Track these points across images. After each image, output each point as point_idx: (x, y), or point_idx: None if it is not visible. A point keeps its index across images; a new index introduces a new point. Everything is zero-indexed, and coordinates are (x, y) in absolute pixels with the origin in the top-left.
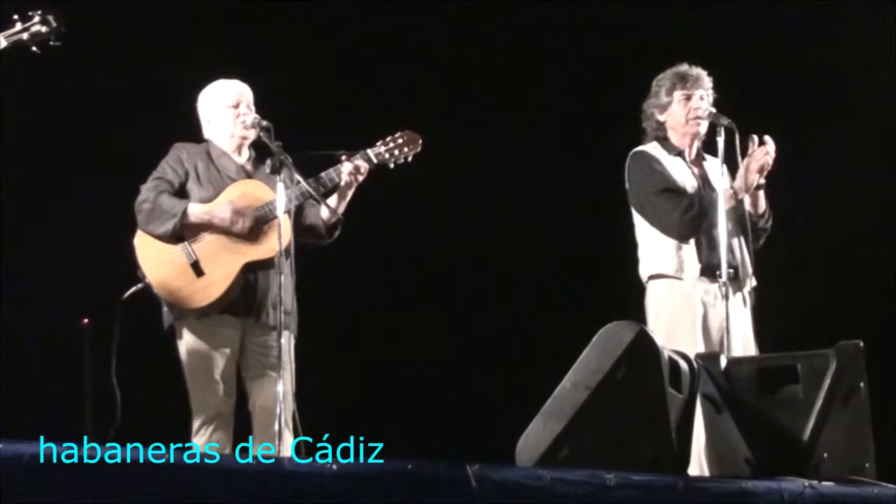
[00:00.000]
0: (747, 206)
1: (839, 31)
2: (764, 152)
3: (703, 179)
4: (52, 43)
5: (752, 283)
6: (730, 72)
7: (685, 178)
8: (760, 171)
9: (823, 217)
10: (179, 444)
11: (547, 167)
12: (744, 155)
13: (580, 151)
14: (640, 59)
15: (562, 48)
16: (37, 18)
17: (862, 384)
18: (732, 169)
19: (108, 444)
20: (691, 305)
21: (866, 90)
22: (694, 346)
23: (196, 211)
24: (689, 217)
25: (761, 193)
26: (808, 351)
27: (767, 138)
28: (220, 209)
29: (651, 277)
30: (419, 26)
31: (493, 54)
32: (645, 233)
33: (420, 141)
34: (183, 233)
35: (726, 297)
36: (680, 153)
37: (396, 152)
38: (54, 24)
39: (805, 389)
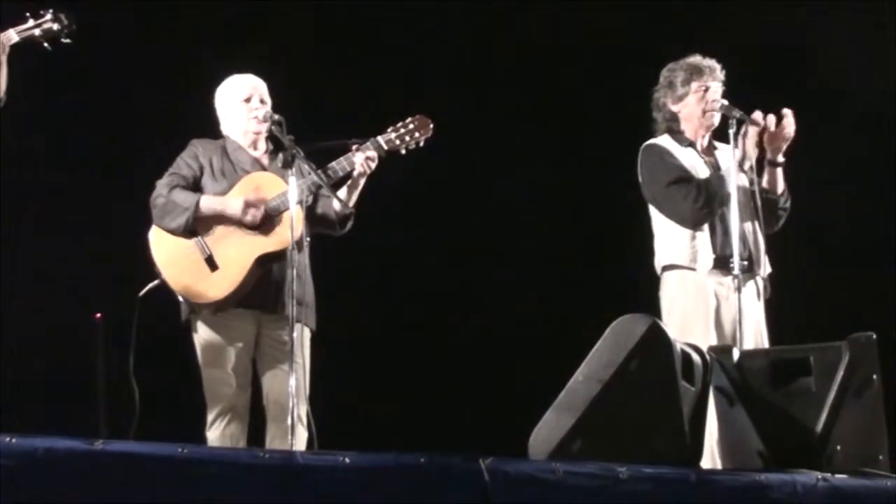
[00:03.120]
0: (765, 183)
1: (839, 31)
2: (778, 126)
3: (715, 168)
4: (63, 40)
5: (766, 269)
6: (730, 70)
7: (698, 167)
8: (772, 143)
9: (833, 209)
10: (194, 438)
11: (561, 157)
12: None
13: (594, 142)
14: (645, 53)
15: (575, 38)
16: (49, 16)
17: (875, 376)
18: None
19: (122, 438)
20: (704, 298)
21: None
22: (707, 339)
23: (208, 203)
24: (700, 204)
25: (780, 172)
26: (821, 343)
27: (786, 111)
28: (231, 202)
29: (665, 268)
30: (428, 13)
31: (505, 40)
32: (659, 224)
33: (431, 126)
34: (196, 227)
35: (738, 289)
36: (691, 144)
37: (408, 138)
38: (66, 22)
39: (818, 382)
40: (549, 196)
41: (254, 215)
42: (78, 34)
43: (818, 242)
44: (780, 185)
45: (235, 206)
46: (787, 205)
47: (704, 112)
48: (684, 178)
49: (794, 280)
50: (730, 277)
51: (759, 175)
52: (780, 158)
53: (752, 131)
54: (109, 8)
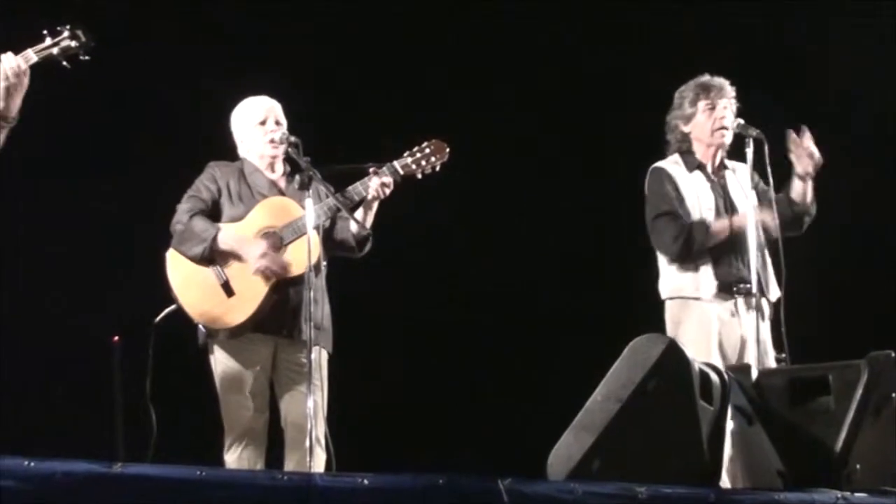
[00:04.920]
0: (794, 194)
1: (839, 30)
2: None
3: (724, 191)
4: (81, 58)
5: (775, 293)
6: (730, 72)
7: (702, 194)
8: (798, 157)
9: (850, 225)
10: (212, 461)
11: (578, 176)
12: (772, 164)
13: (610, 159)
14: (651, 63)
15: (589, 59)
16: (66, 33)
17: (894, 394)
18: (762, 179)
19: (140, 461)
20: (707, 324)
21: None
22: (710, 361)
23: (226, 240)
24: (678, 245)
25: (810, 186)
26: (840, 361)
27: (804, 129)
28: (249, 245)
29: (669, 297)
30: (442, 37)
31: (519, 68)
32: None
33: (447, 150)
34: (213, 255)
35: (758, 307)
36: (700, 166)
37: (423, 163)
38: (84, 39)
39: (836, 400)
40: (569, 215)
41: (268, 266)
42: (96, 51)
43: (837, 259)
44: (808, 197)
45: (253, 252)
46: (813, 211)
47: (713, 131)
48: (671, 211)
49: (812, 297)
50: (731, 302)
51: (784, 187)
52: (810, 171)
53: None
54: (128, 29)
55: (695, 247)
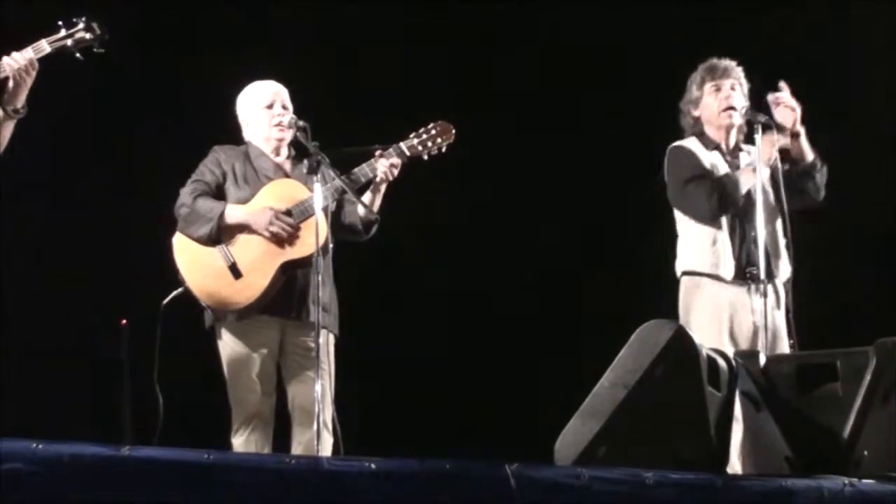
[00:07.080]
0: (794, 155)
1: (839, 30)
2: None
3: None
4: (95, 50)
5: (786, 273)
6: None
7: (721, 169)
8: (781, 116)
9: (860, 211)
10: (219, 444)
11: (585, 160)
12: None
13: (618, 143)
14: (650, 57)
15: (591, 40)
16: (81, 25)
17: None
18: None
19: (147, 444)
20: (719, 308)
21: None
22: (721, 348)
23: (233, 213)
24: (714, 200)
25: (803, 142)
26: (848, 348)
27: (781, 83)
28: (257, 215)
29: (685, 273)
30: (445, 17)
31: (523, 48)
32: (682, 228)
33: (453, 131)
34: (220, 235)
35: (765, 293)
36: (717, 147)
37: (430, 144)
38: (98, 32)
39: (844, 387)
40: (574, 199)
41: (281, 227)
42: (110, 42)
43: (845, 244)
44: (809, 154)
45: (262, 220)
46: (824, 170)
47: (719, 112)
48: (701, 174)
49: (821, 284)
50: (745, 288)
51: (786, 157)
52: (798, 128)
53: (770, 136)
54: (137, 15)
55: (728, 200)
